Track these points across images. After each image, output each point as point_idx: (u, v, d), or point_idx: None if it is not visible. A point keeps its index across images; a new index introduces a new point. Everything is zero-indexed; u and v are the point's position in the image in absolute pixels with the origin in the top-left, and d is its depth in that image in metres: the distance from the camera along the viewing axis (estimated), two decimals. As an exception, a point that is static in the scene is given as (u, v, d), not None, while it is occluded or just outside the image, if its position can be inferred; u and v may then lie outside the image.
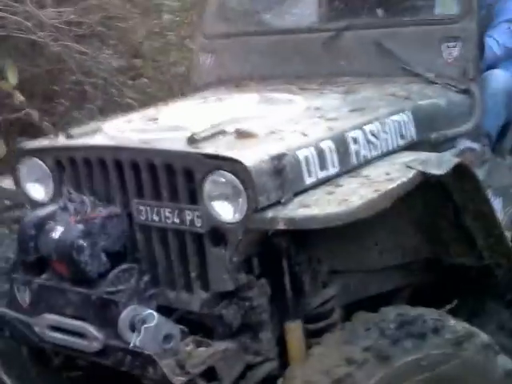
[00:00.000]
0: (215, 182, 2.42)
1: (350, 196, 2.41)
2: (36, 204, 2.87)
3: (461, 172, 2.66)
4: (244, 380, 2.54)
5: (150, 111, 3.28)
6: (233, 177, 2.38)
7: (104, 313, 2.45)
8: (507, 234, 3.11)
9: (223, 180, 2.41)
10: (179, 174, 2.50)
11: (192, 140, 2.53)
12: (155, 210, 2.56)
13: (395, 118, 2.88)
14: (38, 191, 2.92)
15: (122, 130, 2.93)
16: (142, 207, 2.60)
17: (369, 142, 2.73)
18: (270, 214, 2.35)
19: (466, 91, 3.16)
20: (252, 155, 2.42)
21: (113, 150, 2.68)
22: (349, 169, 2.64)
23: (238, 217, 2.40)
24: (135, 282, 2.54)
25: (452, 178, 2.65)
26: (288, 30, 3.68)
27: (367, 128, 2.75)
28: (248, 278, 2.50)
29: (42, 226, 2.65)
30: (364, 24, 3.45)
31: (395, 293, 3.02)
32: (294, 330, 2.56)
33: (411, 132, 2.91)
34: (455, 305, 3.48)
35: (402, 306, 2.71)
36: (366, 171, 2.63)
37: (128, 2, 5.83)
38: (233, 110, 3.04)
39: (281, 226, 2.33)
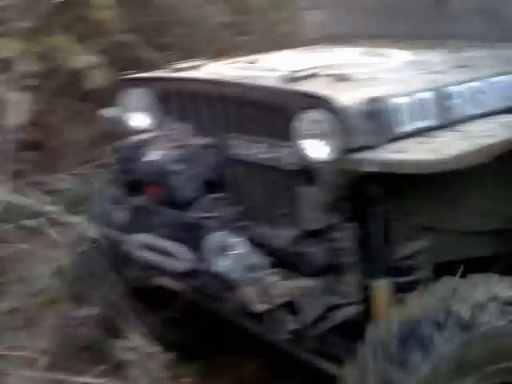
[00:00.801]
0: (310, 121, 2.49)
1: (446, 147, 2.43)
2: (138, 132, 3.03)
3: None
4: (326, 320, 2.62)
5: (252, 57, 3.41)
6: (328, 116, 2.44)
7: (194, 236, 2.58)
8: None
9: (318, 118, 2.47)
10: (276, 111, 2.59)
11: (290, 78, 2.62)
12: (250, 144, 2.67)
13: (503, 78, 2.87)
14: (141, 120, 3.09)
15: (225, 68, 3.07)
16: (237, 141, 2.72)
17: (472, 98, 2.74)
18: (361, 155, 2.41)
19: None
20: (349, 96, 2.47)
21: (215, 84, 2.81)
22: (448, 123, 2.65)
23: (329, 156, 2.47)
24: (226, 211, 2.66)
25: None
26: None
27: (472, 85, 2.76)
28: (337, 219, 2.56)
29: (141, 149, 2.80)
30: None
31: (491, 260, 3.00)
32: (381, 288, 2.62)
33: None
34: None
35: (491, 275, 2.65)
36: (465, 127, 2.64)
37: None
38: (334, 57, 3.13)
39: (372, 168, 2.38)
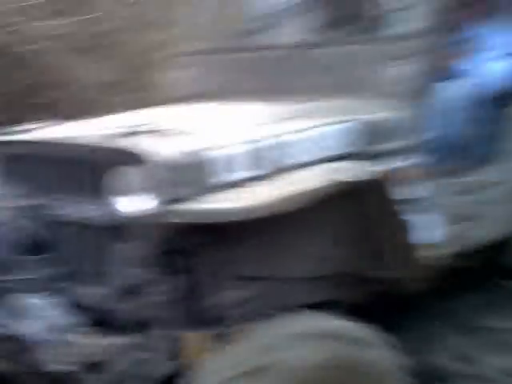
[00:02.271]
0: (122, 176, 2.53)
1: (255, 196, 2.52)
2: None
3: (375, 183, 2.77)
4: (136, 377, 2.61)
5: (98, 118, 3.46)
6: (139, 171, 2.50)
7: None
8: (444, 251, 3.27)
9: (129, 174, 2.52)
10: (89, 168, 2.65)
11: (108, 135, 2.67)
12: (65, 204, 2.72)
13: (333, 127, 2.98)
14: None
15: (57, 130, 3.11)
16: (56, 201, 2.75)
17: (299, 148, 2.83)
18: (170, 208, 2.46)
19: (410, 108, 3.24)
20: (160, 151, 2.54)
21: (31, 145, 2.87)
22: (268, 173, 2.73)
23: (141, 211, 2.51)
24: (44, 273, 2.68)
25: (367, 189, 2.76)
26: (259, 47, 3.83)
27: (299, 135, 2.86)
28: (149, 274, 2.59)
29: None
30: (318, 42, 3.62)
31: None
32: (192, 339, 2.64)
33: (349, 143, 3.00)
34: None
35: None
36: (284, 176, 2.73)
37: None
38: (170, 114, 3.23)
39: (178, 220, 2.44)
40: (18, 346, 2.49)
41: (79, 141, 2.73)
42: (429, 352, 3.70)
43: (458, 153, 3.62)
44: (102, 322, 2.65)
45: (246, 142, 2.73)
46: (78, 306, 2.68)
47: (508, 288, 4.22)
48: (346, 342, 2.54)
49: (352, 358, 2.54)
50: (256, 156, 2.72)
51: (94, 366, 2.51)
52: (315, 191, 2.60)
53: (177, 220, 2.46)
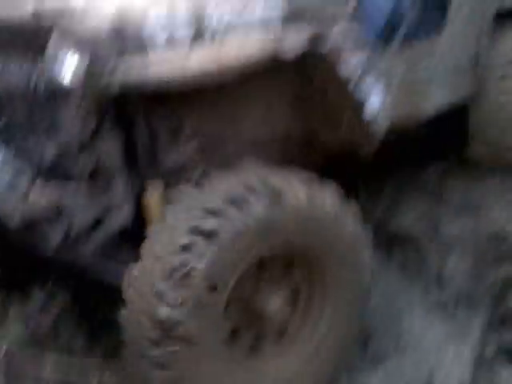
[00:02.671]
0: (57, 45, 2.60)
1: (192, 63, 2.57)
2: None
3: (316, 52, 2.87)
4: (97, 229, 2.75)
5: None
6: (72, 40, 2.56)
7: None
8: (385, 120, 3.34)
9: (64, 44, 2.58)
10: (31, 36, 2.73)
11: (36, 13, 2.75)
12: (11, 68, 2.81)
13: None
14: None
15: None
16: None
17: (231, 9, 2.78)
18: (106, 77, 2.52)
19: None
20: (92, 17, 2.60)
21: None
22: (203, 35, 2.70)
23: (77, 79, 2.57)
24: None
25: (309, 57, 2.84)
26: None
27: None
28: (101, 128, 2.68)
29: None
30: None
31: None
32: (152, 190, 2.76)
33: (284, 5, 2.92)
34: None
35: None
36: (221, 41, 2.71)
37: None
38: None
39: (114, 90, 2.52)
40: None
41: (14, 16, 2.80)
42: (393, 215, 4.00)
43: (399, 25, 3.67)
44: (59, 174, 2.75)
45: (181, 6, 2.72)
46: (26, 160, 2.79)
47: (466, 158, 4.46)
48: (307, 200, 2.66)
49: (312, 216, 2.67)
50: (194, 20, 2.71)
51: (56, 214, 2.63)
52: (252, 61, 2.66)
53: (111, 91, 2.53)
